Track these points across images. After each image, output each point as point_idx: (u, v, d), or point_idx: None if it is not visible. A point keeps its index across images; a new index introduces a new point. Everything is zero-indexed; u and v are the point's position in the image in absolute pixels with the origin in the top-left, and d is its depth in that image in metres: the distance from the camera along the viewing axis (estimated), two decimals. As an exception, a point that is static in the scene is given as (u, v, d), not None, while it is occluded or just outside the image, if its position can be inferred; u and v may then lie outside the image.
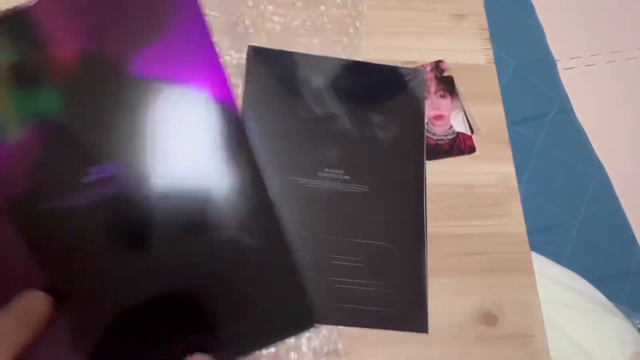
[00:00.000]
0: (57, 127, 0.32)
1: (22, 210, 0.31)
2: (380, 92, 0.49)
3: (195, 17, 0.36)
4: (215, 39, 0.48)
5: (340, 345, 0.40)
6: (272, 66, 0.48)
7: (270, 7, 0.51)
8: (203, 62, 0.35)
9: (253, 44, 0.49)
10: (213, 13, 0.50)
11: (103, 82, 0.33)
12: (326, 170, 0.45)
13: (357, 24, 0.52)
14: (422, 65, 0.51)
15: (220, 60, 0.35)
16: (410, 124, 0.48)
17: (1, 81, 0.32)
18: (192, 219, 0.33)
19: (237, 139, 0.34)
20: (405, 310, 0.42)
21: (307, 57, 0.49)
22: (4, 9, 0.33)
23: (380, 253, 0.43)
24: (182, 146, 0.33)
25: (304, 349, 0.40)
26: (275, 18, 0.51)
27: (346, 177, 0.45)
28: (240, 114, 0.35)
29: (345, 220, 0.44)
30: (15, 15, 0.33)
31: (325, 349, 0.40)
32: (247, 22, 0.50)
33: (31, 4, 0.33)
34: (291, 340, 0.40)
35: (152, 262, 0.32)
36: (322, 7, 0.52)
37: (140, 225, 0.32)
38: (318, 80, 0.48)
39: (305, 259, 0.41)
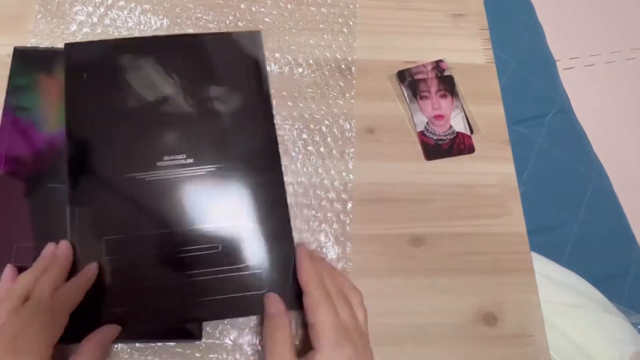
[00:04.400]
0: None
1: (35, 186, 0.42)
2: (215, 63, 0.46)
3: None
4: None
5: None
6: (90, 60, 0.45)
7: (263, 10, 0.51)
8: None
9: (69, 40, 0.46)
10: (206, 17, 0.50)
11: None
12: (166, 158, 0.42)
13: (350, 23, 0.52)
14: (423, 65, 0.51)
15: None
16: (254, 88, 0.46)
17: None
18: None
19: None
20: (276, 290, 0.39)
21: (127, 42, 0.47)
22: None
23: (240, 234, 0.40)
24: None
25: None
26: (268, 20, 0.51)
27: (189, 160, 0.42)
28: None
29: (195, 207, 0.41)
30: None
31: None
32: (240, 24, 0.50)
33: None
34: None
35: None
36: (313, 8, 0.52)
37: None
38: (145, 64, 0.45)
39: (157, 257, 0.39)
